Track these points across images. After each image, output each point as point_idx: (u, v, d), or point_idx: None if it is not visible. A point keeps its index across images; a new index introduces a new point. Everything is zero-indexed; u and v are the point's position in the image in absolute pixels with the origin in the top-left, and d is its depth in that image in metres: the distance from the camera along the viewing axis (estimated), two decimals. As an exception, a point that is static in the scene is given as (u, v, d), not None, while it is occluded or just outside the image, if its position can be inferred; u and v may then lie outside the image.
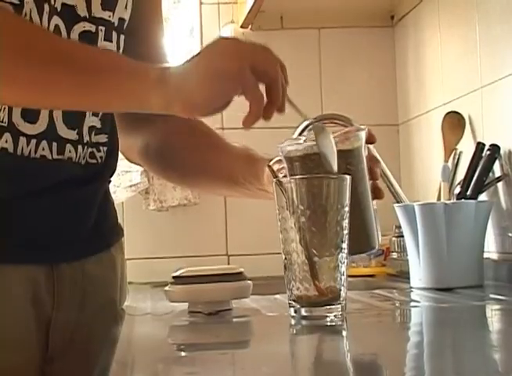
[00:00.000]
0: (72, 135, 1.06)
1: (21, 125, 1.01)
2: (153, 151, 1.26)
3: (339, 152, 1.06)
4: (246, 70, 0.93)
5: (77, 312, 1.08)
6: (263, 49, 0.96)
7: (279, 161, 1.12)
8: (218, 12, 2.28)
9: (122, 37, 1.12)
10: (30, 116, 1.01)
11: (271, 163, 1.14)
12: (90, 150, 1.10)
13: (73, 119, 1.06)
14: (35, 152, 1.02)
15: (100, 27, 1.07)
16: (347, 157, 1.08)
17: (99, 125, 1.10)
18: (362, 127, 1.11)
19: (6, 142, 1.00)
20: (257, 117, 0.96)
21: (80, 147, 1.07)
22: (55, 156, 1.04)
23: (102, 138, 1.12)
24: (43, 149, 1.03)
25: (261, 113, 0.96)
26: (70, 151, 1.05)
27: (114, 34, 1.10)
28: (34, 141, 1.02)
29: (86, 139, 1.08)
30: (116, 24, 1.10)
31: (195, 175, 1.27)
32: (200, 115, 0.98)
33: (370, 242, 1.11)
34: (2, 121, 1.00)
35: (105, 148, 1.12)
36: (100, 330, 1.10)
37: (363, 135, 1.11)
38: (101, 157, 1.12)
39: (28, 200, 1.02)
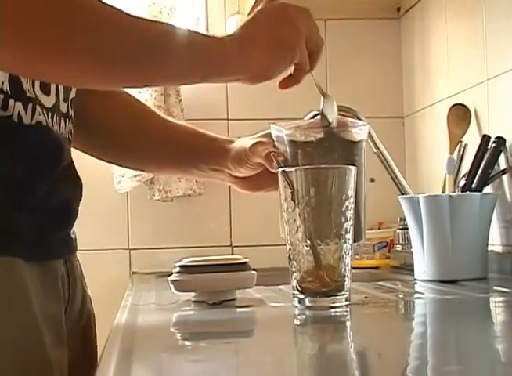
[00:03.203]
0: (64, 107, 1.03)
1: (40, 96, 0.96)
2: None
3: (348, 142, 1.07)
4: (303, 40, 1.02)
5: (81, 303, 1.07)
6: (309, 16, 1.05)
7: (263, 143, 1.13)
8: (224, 3, 2.28)
9: None
10: (45, 86, 0.97)
11: (251, 144, 1.14)
12: (72, 125, 1.06)
13: (66, 91, 1.03)
14: (53, 125, 0.98)
15: None
16: (355, 149, 1.09)
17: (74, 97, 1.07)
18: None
19: (40, 115, 0.95)
20: (297, 82, 1.05)
21: (67, 121, 1.03)
22: (60, 131, 1.01)
23: (72, 112, 1.07)
24: (57, 123, 1.00)
25: (300, 81, 1.06)
26: (62, 126, 1.01)
27: None
28: (50, 114, 0.98)
29: (70, 112, 1.04)
30: None
31: (139, 153, 1.25)
32: (261, 82, 1.01)
33: (361, 233, 1.13)
34: (31, 93, 0.94)
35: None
36: (94, 322, 1.11)
37: (367, 129, 1.12)
38: (71, 133, 1.07)
39: (49, 184, 0.97)
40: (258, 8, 1.01)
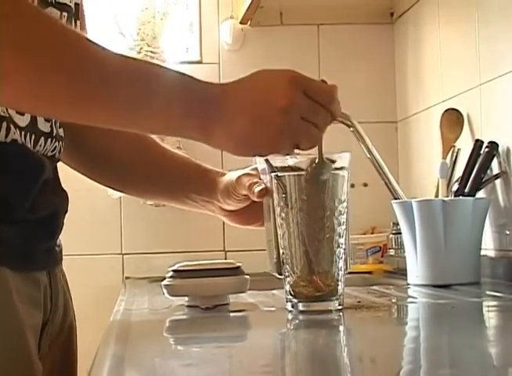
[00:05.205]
0: (46, 127, 1.02)
1: (14, 116, 0.96)
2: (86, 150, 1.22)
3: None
4: (286, 140, 0.94)
5: (62, 316, 1.07)
6: (328, 101, 0.99)
7: (249, 174, 1.14)
8: (217, 8, 2.28)
9: (78, 23, 1.10)
10: None
11: (237, 175, 1.15)
12: (60, 144, 1.05)
13: None
14: (27, 144, 0.98)
15: (63, 13, 1.04)
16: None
17: None
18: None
19: (14, 133, 0.95)
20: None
21: (49, 141, 1.02)
22: (35, 149, 1.00)
23: (61, 131, 1.07)
24: (31, 141, 1.00)
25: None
26: (40, 145, 1.01)
27: (73, 20, 1.07)
28: (24, 133, 0.97)
29: (55, 131, 1.04)
30: (73, 10, 1.08)
31: (135, 178, 1.25)
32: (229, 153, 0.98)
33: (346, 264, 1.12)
34: (4, 112, 0.94)
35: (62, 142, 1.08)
36: (75, 334, 1.10)
37: (347, 156, 1.10)
38: (59, 152, 1.07)
39: (31, 198, 0.97)
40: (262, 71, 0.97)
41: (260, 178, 1.12)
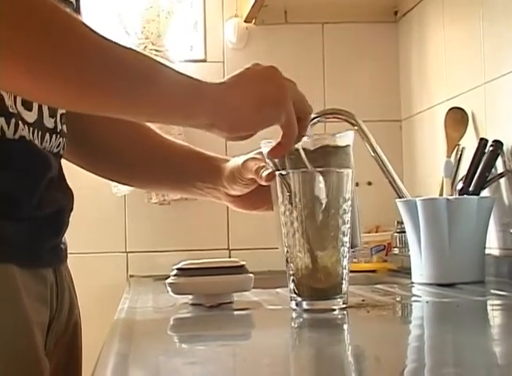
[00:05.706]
0: (51, 123, 1.02)
1: (22, 112, 0.96)
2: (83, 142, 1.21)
3: (333, 148, 1.06)
4: (290, 101, 0.99)
5: (68, 314, 1.07)
6: (295, 85, 1.03)
7: (255, 158, 1.14)
8: (221, 6, 2.28)
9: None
10: (27, 102, 0.97)
11: (243, 160, 1.15)
12: (63, 140, 1.05)
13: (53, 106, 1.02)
14: (35, 140, 0.99)
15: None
16: (341, 154, 1.08)
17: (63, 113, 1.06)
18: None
19: (23, 130, 0.95)
20: (286, 149, 1.04)
21: (54, 137, 1.03)
22: (42, 145, 1.00)
23: (65, 128, 1.07)
24: (39, 138, 1.00)
25: (290, 147, 1.03)
26: (47, 141, 1.01)
27: None
28: (32, 129, 0.98)
29: (59, 127, 1.04)
30: (75, 5, 1.08)
31: (138, 170, 1.25)
32: (239, 136, 1.01)
33: (357, 239, 1.12)
34: (13, 108, 0.94)
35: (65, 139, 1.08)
36: (80, 332, 1.10)
37: (351, 135, 1.11)
38: (63, 148, 1.07)
39: (38, 195, 0.97)
40: (246, 66, 1.01)
41: (265, 162, 1.13)
